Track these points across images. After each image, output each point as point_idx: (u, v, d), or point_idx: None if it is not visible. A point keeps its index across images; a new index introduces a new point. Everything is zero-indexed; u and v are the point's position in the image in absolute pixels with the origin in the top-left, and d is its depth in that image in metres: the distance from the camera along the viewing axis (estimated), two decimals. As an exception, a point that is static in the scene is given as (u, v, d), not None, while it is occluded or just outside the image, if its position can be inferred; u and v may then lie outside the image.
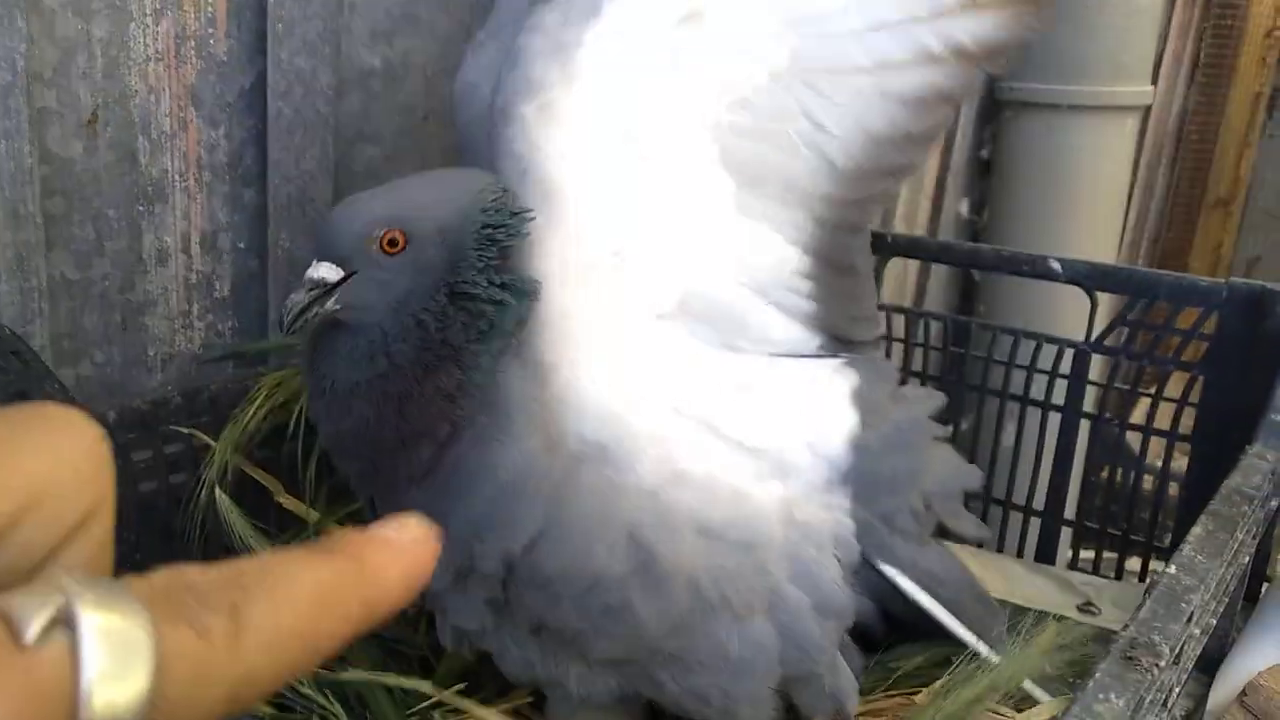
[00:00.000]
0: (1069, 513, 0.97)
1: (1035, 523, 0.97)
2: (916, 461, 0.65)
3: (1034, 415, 0.95)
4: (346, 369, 0.52)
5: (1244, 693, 0.68)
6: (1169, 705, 0.53)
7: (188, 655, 0.18)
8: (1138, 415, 0.96)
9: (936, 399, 0.70)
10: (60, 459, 0.20)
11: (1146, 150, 2.08)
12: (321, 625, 0.20)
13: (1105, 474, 0.97)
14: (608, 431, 0.54)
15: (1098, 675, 0.44)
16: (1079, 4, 1.40)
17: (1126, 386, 0.94)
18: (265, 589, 0.20)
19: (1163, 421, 0.92)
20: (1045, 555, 0.97)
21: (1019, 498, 0.98)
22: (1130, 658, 0.46)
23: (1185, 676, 0.57)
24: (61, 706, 0.17)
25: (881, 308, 1.02)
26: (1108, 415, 0.94)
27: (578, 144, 0.54)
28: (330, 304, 0.50)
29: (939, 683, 0.60)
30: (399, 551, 0.22)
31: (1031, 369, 0.96)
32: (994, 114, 1.55)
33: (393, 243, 0.51)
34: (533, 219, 0.54)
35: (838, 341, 0.65)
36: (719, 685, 0.57)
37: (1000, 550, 0.98)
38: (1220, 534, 0.59)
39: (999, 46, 0.59)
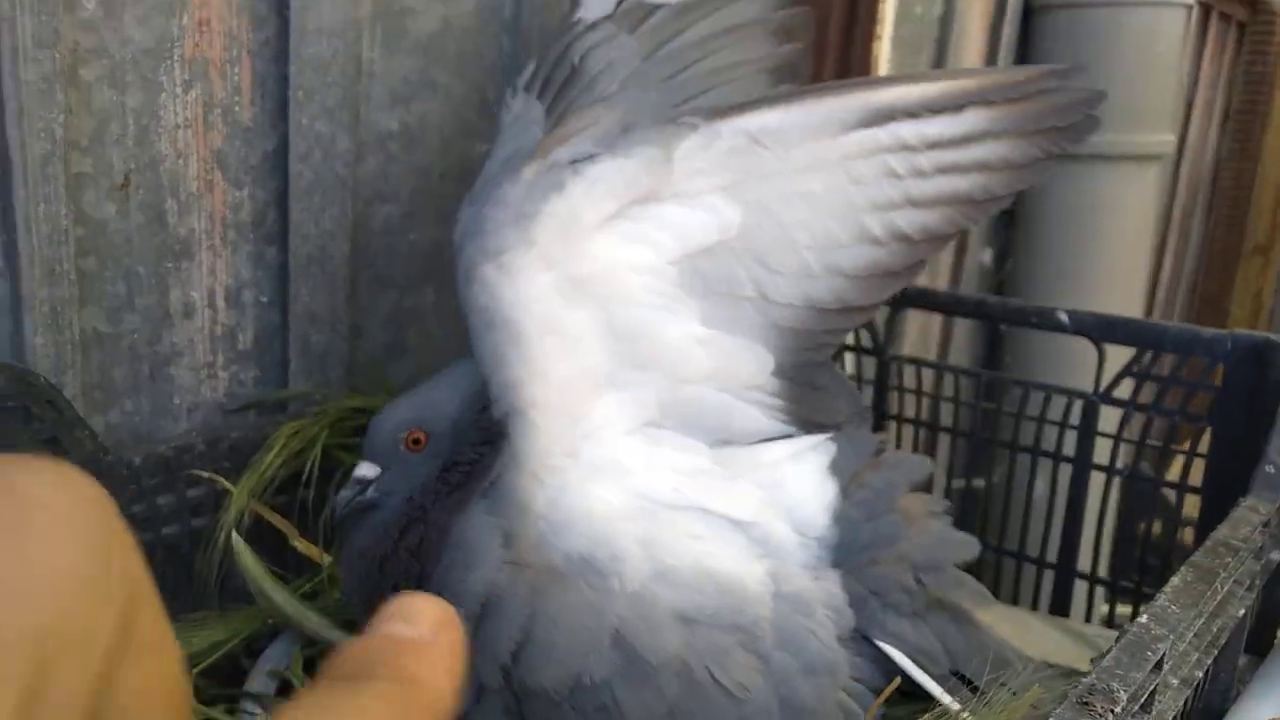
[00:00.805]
0: (1082, 565, 0.97)
1: (1049, 575, 0.98)
2: (897, 527, 0.68)
3: (1062, 469, 0.95)
4: (363, 538, 0.64)
5: (1242, 746, 0.67)
6: (1142, 754, 0.54)
7: None
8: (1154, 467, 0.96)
9: (918, 465, 0.72)
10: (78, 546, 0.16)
11: (1180, 198, 2.08)
12: None
13: (1117, 525, 0.97)
14: (594, 544, 0.59)
15: (1051, 719, 0.45)
16: (1095, 54, 1.42)
17: (1133, 440, 0.94)
18: None
19: (1176, 473, 0.92)
20: (1060, 608, 0.97)
21: (1051, 554, 0.98)
22: (1085, 703, 0.47)
23: (1165, 727, 0.57)
24: None
25: (903, 360, 1.04)
26: (1118, 466, 0.95)
27: (534, 293, 0.60)
28: (369, 493, 0.63)
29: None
30: (432, 653, 0.21)
31: (1042, 420, 0.97)
32: (1017, 165, 1.57)
33: (416, 441, 0.63)
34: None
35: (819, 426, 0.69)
36: None
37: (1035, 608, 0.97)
38: (1198, 585, 0.60)
39: (940, 236, 0.66)
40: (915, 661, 0.67)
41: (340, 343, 0.84)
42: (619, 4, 0.76)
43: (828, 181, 0.63)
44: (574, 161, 0.61)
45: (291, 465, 0.76)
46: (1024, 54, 1.52)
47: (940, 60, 1.41)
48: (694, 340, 0.63)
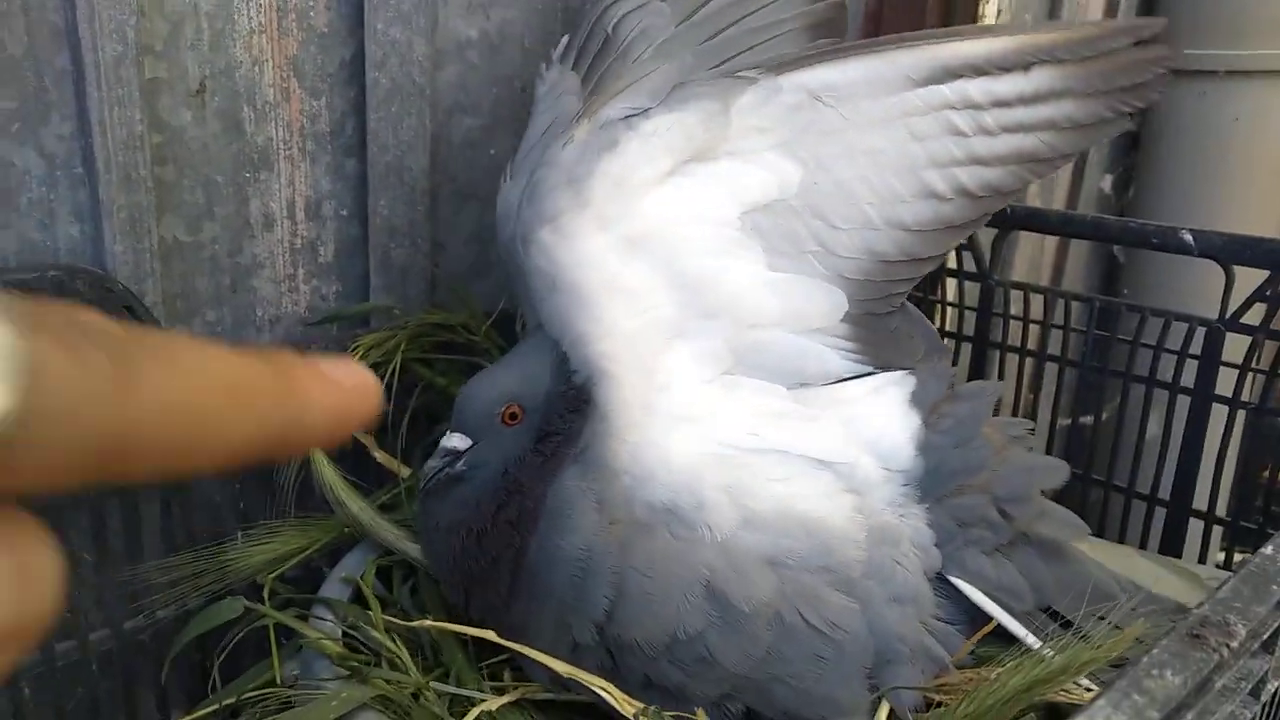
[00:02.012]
0: (1198, 503, 0.90)
1: (1160, 514, 0.92)
2: (984, 453, 0.66)
3: (1179, 402, 0.89)
4: (451, 512, 0.63)
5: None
6: (1260, 696, 0.49)
7: (64, 378, 0.17)
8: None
9: (992, 390, 0.71)
10: None
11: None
12: (224, 412, 0.19)
13: (1240, 462, 0.90)
14: (676, 493, 0.59)
15: (1155, 651, 0.41)
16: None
17: (1262, 369, 0.87)
18: (167, 354, 0.19)
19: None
20: (1172, 549, 0.91)
21: (1164, 491, 0.92)
22: (1197, 635, 0.42)
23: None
24: None
25: (1010, 285, 0.98)
26: (1244, 399, 0.88)
27: (593, 253, 0.60)
28: (459, 466, 0.62)
29: (993, 671, 0.58)
30: (332, 386, 0.21)
31: (1158, 349, 0.90)
32: (1142, 83, 1.46)
33: (513, 415, 0.62)
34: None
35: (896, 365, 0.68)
36: (819, 689, 0.60)
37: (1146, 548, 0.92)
38: (1333, 517, 0.54)
39: (1005, 191, 0.65)
40: (997, 599, 0.66)
41: (421, 259, 0.83)
42: None
43: (890, 137, 0.63)
44: (628, 117, 0.60)
45: (370, 379, 0.75)
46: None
47: (1054, 10, 1.31)
48: (761, 284, 0.62)
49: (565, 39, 0.74)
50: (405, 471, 0.76)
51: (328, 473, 0.69)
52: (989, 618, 0.66)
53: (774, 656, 0.59)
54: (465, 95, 0.84)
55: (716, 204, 0.62)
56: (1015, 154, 0.65)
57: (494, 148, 0.86)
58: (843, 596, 0.60)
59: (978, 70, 0.63)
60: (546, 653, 0.60)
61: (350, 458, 0.75)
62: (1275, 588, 0.47)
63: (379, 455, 0.76)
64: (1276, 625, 0.48)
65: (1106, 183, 1.50)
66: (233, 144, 0.73)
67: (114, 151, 0.65)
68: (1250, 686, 0.48)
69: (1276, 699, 0.53)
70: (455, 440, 0.62)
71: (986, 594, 0.66)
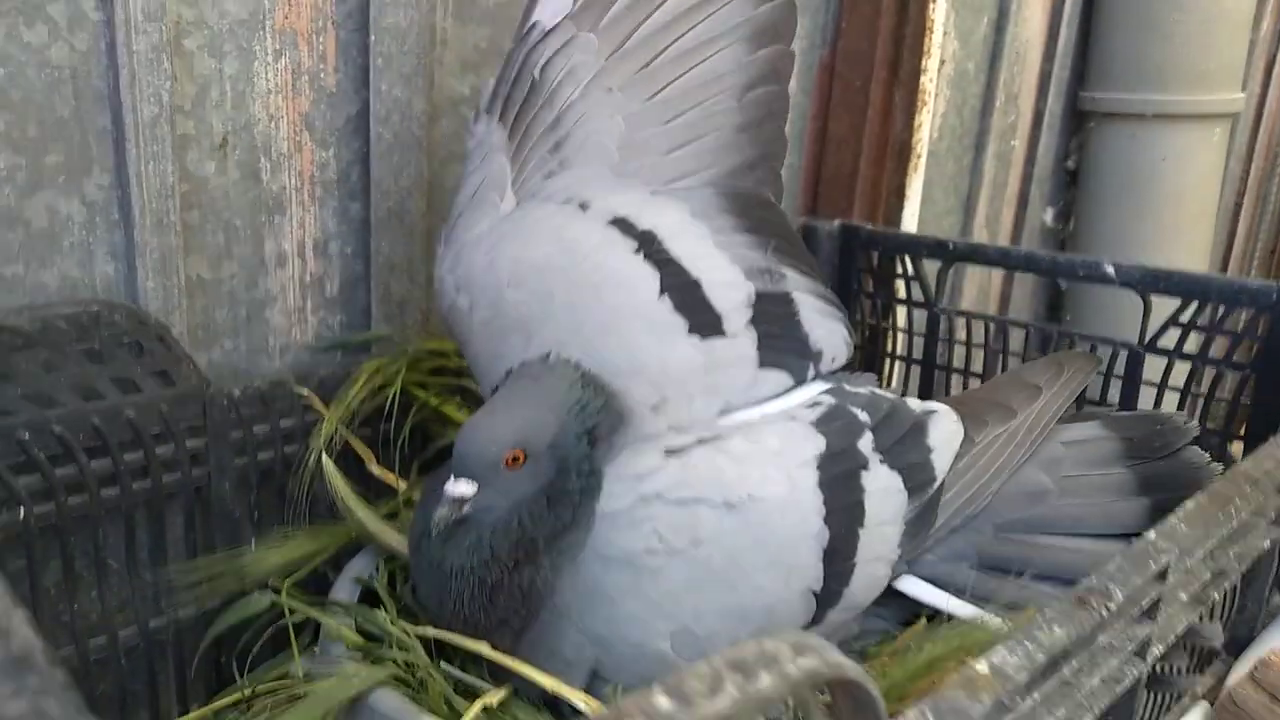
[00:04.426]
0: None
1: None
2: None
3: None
4: (456, 554, 0.63)
5: (1256, 669, 0.70)
6: (1146, 658, 0.58)
7: None
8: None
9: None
10: None
11: (1257, 158, 2.05)
12: None
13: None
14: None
15: (1048, 610, 0.50)
16: (1159, 11, 1.42)
17: (1178, 389, 0.96)
18: None
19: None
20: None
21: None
22: (1082, 599, 0.51)
23: (1174, 639, 0.61)
24: None
25: (959, 313, 1.07)
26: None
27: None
28: (465, 509, 0.62)
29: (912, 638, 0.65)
30: None
31: (1109, 375, 0.99)
32: (1079, 124, 1.57)
33: (515, 459, 0.62)
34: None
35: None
36: None
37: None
38: (1211, 509, 0.63)
39: None
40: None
41: (418, 292, 0.91)
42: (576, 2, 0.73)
43: None
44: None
45: (373, 401, 0.83)
46: (1088, 12, 1.52)
47: (1003, 22, 1.42)
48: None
49: (491, 84, 0.75)
50: (403, 485, 0.83)
51: (339, 483, 0.77)
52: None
53: None
54: (459, 146, 0.92)
55: None
56: None
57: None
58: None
59: None
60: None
61: (351, 471, 0.83)
62: (1152, 564, 0.56)
63: (376, 470, 0.84)
64: (1155, 596, 0.57)
65: (1049, 215, 1.61)
66: (250, 191, 0.81)
67: (148, 200, 0.74)
68: (1135, 647, 0.57)
69: (1167, 663, 0.62)
70: (462, 487, 0.61)
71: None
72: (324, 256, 0.87)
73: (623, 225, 0.73)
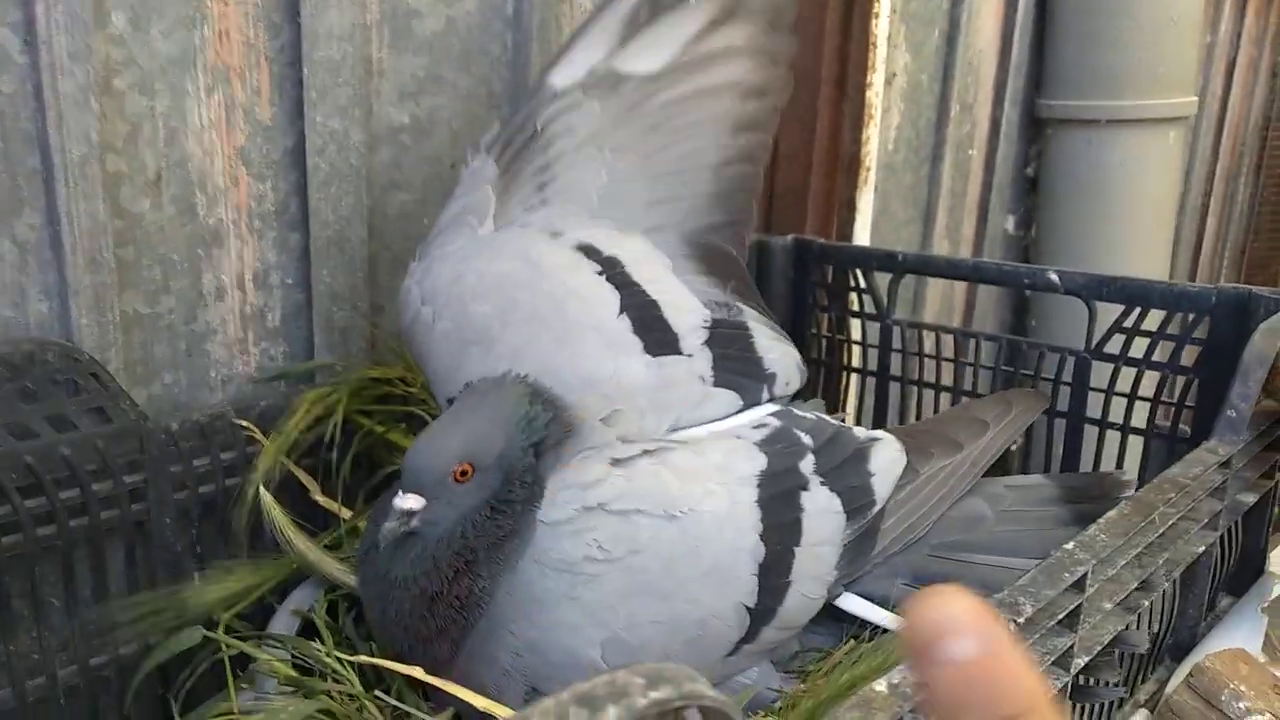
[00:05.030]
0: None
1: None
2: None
3: (1058, 425, 0.99)
4: (402, 565, 0.64)
5: (1191, 674, 0.71)
6: (1069, 668, 0.58)
7: None
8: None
9: None
10: None
11: (1222, 158, 2.06)
12: None
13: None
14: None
15: (951, 628, 0.50)
16: (1110, 19, 1.43)
17: (1124, 394, 0.97)
18: None
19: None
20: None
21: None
22: (988, 615, 0.51)
23: (1100, 649, 0.61)
24: None
25: (910, 324, 1.08)
26: (1111, 420, 0.97)
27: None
28: (413, 524, 0.63)
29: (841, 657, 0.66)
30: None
31: (1036, 376, 1.00)
32: (1038, 132, 1.58)
33: (463, 473, 0.63)
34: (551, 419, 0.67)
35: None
36: None
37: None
38: (1134, 517, 0.64)
39: None
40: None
41: (360, 320, 0.92)
42: (589, 73, 0.80)
43: None
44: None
45: (315, 431, 0.83)
46: (1041, 21, 1.53)
47: (954, 34, 1.43)
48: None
49: (496, 127, 0.82)
50: (347, 514, 0.84)
51: (277, 514, 0.77)
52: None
53: None
54: (399, 173, 0.93)
55: None
56: None
57: (426, 218, 0.95)
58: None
59: None
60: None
61: (298, 502, 0.83)
62: (1068, 575, 0.56)
63: (321, 499, 0.84)
64: (1073, 605, 0.57)
65: (1010, 223, 1.61)
66: (186, 225, 0.82)
67: (79, 238, 0.74)
68: (1055, 658, 0.57)
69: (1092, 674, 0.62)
70: (410, 501, 0.62)
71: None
72: (264, 288, 0.87)
73: (588, 250, 0.78)
